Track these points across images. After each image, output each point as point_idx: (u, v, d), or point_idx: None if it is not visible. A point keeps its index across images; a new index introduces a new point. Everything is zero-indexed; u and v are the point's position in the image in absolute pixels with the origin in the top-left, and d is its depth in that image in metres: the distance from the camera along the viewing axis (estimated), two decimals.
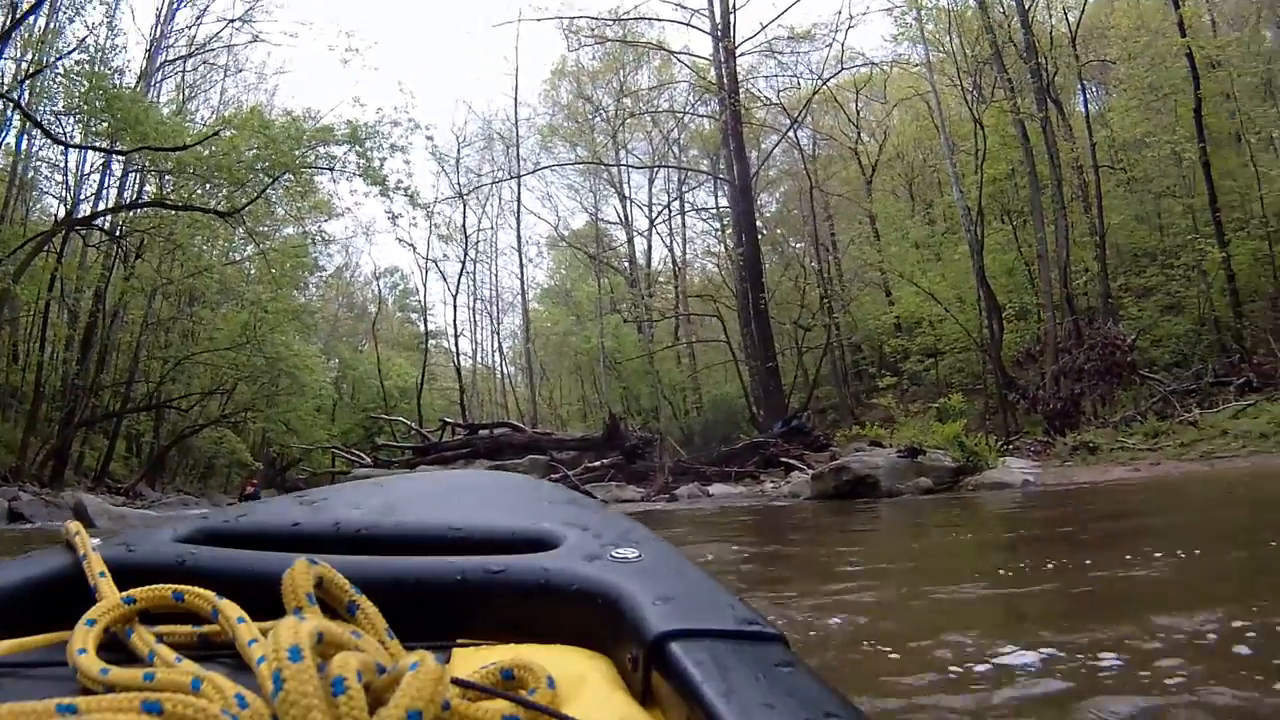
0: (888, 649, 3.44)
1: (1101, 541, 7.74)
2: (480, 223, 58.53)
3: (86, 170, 35.76)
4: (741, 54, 40.61)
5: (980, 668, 3.02)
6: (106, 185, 36.03)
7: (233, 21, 41.31)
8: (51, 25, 29.04)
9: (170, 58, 39.89)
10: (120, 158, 30.39)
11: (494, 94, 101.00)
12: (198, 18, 40.70)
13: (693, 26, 42.16)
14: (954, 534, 9.84)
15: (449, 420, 37.09)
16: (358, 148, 27.70)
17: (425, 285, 64.44)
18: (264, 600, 0.90)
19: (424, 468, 24.07)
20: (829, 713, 0.74)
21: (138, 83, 33.75)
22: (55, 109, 27.92)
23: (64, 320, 34.90)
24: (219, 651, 0.87)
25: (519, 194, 53.18)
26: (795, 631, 3.70)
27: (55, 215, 34.54)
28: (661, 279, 56.36)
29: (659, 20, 43.87)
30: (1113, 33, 35.58)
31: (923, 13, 33.88)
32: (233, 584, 0.97)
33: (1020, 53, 29.49)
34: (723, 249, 49.19)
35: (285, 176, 27.79)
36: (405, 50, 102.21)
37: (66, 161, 35.11)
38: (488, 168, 56.41)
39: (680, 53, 45.33)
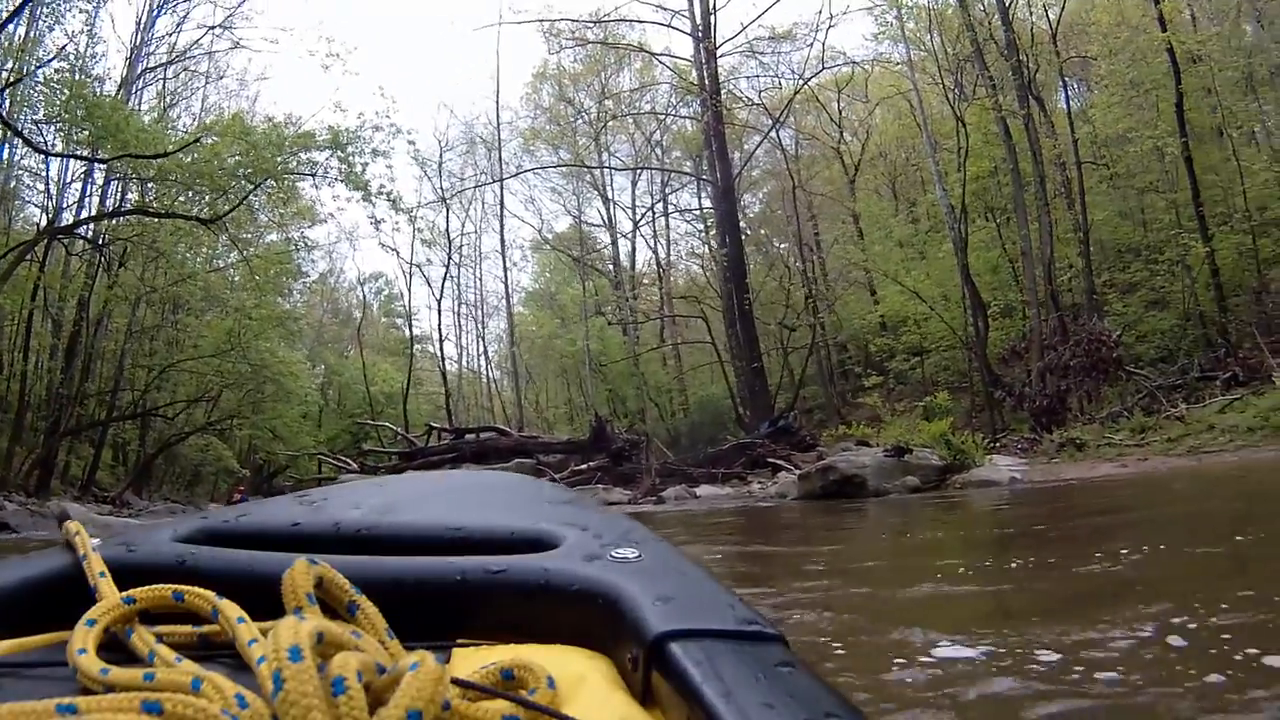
0: (837, 644, 3.57)
1: (1073, 539, 7.91)
2: (464, 227, 58.81)
3: (68, 179, 35.65)
4: (723, 55, 40.75)
5: (921, 660, 3.16)
6: (89, 194, 35.93)
7: (213, 28, 41.09)
8: (31, 34, 28.93)
9: (151, 65, 39.65)
10: (102, 166, 30.29)
11: (476, 98, 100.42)
12: (178, 25, 40.49)
13: (673, 28, 42.35)
14: (933, 533, 9.98)
15: (435, 425, 37.04)
16: (339, 153, 27.61)
17: (410, 290, 64.55)
18: (264, 600, 0.90)
19: (411, 473, 24.04)
20: (829, 713, 0.74)
21: (118, 90, 33.54)
22: (36, 118, 27.80)
23: (48, 329, 34.70)
24: (219, 651, 0.87)
25: (502, 197, 53.33)
26: None
27: (37, 224, 34.33)
28: (646, 281, 56.34)
29: (640, 22, 43.95)
30: (1093, 29, 35.71)
31: (903, 11, 33.99)
32: (233, 584, 0.97)
33: (1001, 50, 29.57)
34: (707, 250, 49.19)
35: (267, 183, 27.70)
36: (386, 55, 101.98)
37: (48, 170, 34.98)
38: (470, 171, 56.63)
39: (661, 54, 45.53)
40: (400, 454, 31.25)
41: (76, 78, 26.29)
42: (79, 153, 28.58)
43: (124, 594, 0.92)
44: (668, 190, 54.06)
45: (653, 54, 45.76)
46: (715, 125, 37.93)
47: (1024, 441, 23.06)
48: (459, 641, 1.02)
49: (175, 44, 40.96)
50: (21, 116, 27.34)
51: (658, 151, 53.28)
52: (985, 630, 3.62)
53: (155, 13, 38.83)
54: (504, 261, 54.65)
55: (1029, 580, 5.35)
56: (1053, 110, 34.10)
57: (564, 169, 53.91)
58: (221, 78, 45.41)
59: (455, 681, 0.75)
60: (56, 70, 26.17)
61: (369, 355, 56.93)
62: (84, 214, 33.82)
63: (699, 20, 39.71)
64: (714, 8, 39.45)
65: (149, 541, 1.18)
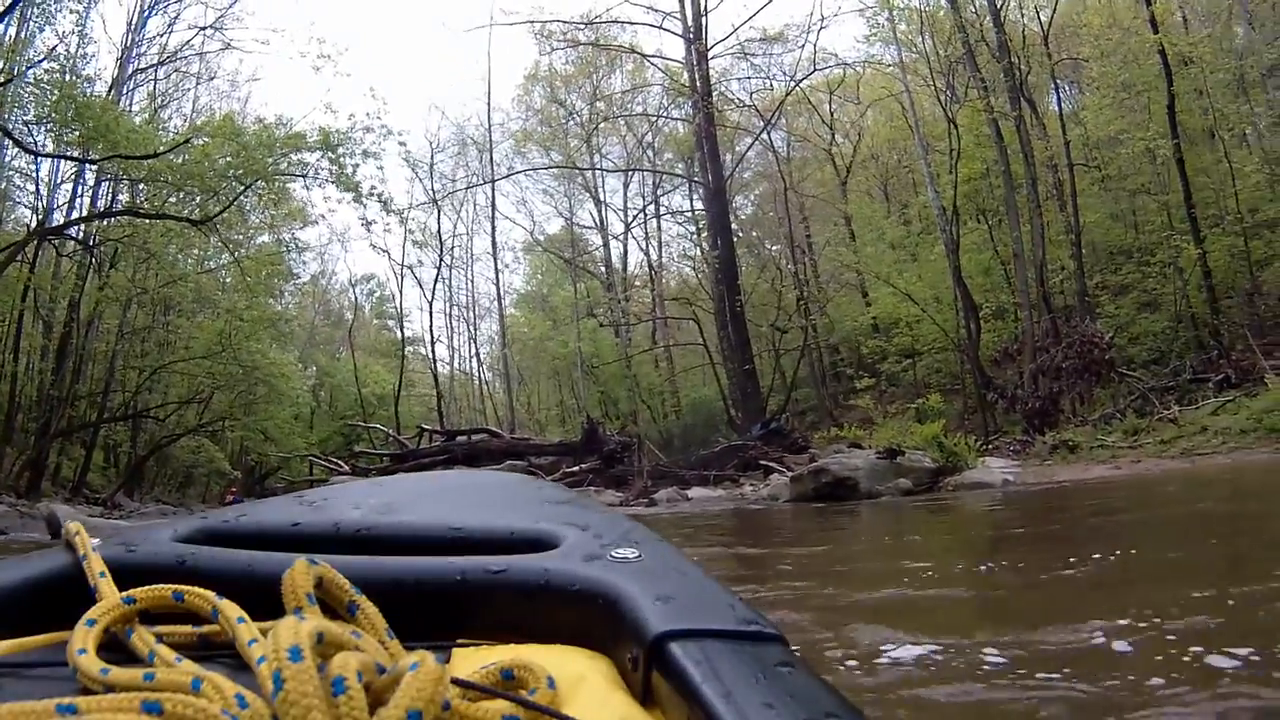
0: (795, 641, 3.57)
1: (1053, 542, 8.02)
2: (455, 228, 58.74)
3: (59, 180, 35.53)
4: (714, 56, 40.75)
5: (870, 659, 3.32)
6: (79, 194, 35.78)
7: (204, 29, 41.07)
8: (21, 34, 28.84)
9: (142, 66, 39.60)
10: (93, 167, 30.24)
11: (467, 99, 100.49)
12: (169, 26, 40.42)
13: (665, 30, 42.38)
14: (917, 536, 10.06)
15: (427, 427, 37.09)
16: (330, 154, 27.60)
17: (401, 292, 64.51)
18: (264, 600, 0.90)
19: (409, 473, 24.04)
20: (829, 713, 0.74)
21: (109, 91, 33.50)
22: (26, 118, 27.72)
23: (38, 330, 34.61)
24: (219, 651, 0.87)
25: (493, 199, 53.39)
26: None
27: (28, 225, 34.24)
28: (638, 283, 56.30)
29: (631, 24, 43.96)
30: (1085, 31, 35.78)
31: (894, 13, 34.05)
32: (233, 584, 0.97)
33: (993, 52, 29.67)
34: (698, 252, 49.20)
35: (258, 184, 27.64)
36: (377, 57, 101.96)
37: (38, 171, 34.87)
38: (462, 173, 56.62)
39: (653, 56, 45.55)
40: (392, 456, 31.28)
41: (67, 78, 26.29)
42: (69, 153, 28.55)
43: (124, 594, 0.92)
44: (659, 192, 54.11)
45: (644, 56, 45.89)
46: (707, 127, 37.98)
47: (1016, 444, 23.09)
48: (459, 642, 1.02)
49: (166, 45, 40.90)
50: (12, 117, 27.24)
51: (649, 153, 53.33)
52: (940, 633, 3.71)
53: (146, 14, 38.78)
54: (496, 263, 54.67)
55: (997, 584, 5.50)
56: (1044, 112, 34.22)
57: (555, 170, 53.98)
58: (212, 79, 45.33)
59: (455, 681, 0.75)
60: (47, 71, 26.17)
61: (361, 357, 56.79)
62: (74, 215, 33.70)
63: (690, 22, 39.75)
64: (705, 10, 39.50)
65: (149, 541, 1.18)
